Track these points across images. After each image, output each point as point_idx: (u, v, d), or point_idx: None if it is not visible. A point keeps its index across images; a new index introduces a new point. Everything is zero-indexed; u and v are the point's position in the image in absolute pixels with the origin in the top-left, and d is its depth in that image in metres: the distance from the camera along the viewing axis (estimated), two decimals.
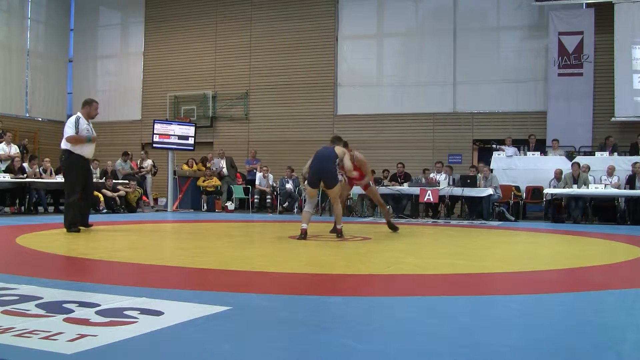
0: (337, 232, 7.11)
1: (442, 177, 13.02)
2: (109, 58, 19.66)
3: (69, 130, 7.45)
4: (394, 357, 2.20)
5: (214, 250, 5.89)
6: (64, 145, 7.44)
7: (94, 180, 12.93)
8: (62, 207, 12.67)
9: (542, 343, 2.45)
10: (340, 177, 7.52)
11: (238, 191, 14.49)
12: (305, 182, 7.70)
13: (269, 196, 14.23)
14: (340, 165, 7.25)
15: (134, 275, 4.33)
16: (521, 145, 13.90)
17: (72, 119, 7.62)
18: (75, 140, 7.41)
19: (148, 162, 15.52)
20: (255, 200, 14.19)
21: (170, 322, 2.61)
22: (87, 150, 7.56)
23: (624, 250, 6.61)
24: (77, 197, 7.37)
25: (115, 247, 6.12)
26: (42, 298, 3.02)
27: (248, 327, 2.62)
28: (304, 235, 6.74)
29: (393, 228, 8.24)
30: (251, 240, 7.54)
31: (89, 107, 7.91)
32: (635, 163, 11.57)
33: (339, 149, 7.26)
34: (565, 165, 12.23)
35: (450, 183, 12.66)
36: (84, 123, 7.63)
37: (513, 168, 13.15)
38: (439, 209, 12.79)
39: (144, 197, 14.32)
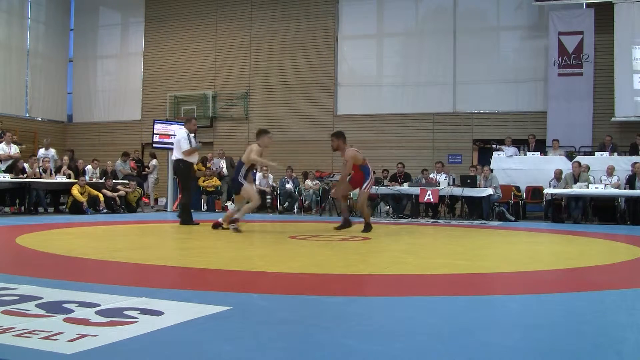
0: (228, 224, 7.81)
1: (442, 177, 13.02)
2: (109, 58, 19.65)
3: (185, 144, 8.86)
4: (394, 357, 2.20)
5: (214, 250, 5.89)
6: (179, 155, 8.92)
7: (94, 180, 12.99)
8: (61, 207, 12.72)
9: (542, 343, 2.45)
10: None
11: None
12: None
13: (269, 196, 14.23)
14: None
15: (134, 275, 4.33)
16: (521, 145, 13.90)
17: (184, 134, 8.97)
18: (190, 152, 8.94)
19: (153, 162, 15.53)
20: None
21: (170, 322, 2.61)
22: (194, 158, 9.26)
23: (624, 250, 6.61)
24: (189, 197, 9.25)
25: (115, 247, 6.12)
26: (42, 298, 3.02)
27: (248, 327, 2.62)
28: (215, 225, 7.93)
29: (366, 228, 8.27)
30: (251, 240, 7.54)
31: (189, 123, 9.36)
32: (635, 163, 11.57)
33: (247, 151, 7.83)
34: (566, 165, 12.23)
35: (450, 183, 12.67)
36: (191, 137, 9.05)
37: (513, 168, 13.15)
38: (439, 209, 12.79)
39: (144, 198, 14.32)
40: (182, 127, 9.50)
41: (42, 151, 13.85)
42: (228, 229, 7.76)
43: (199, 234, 8.09)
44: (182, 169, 9.03)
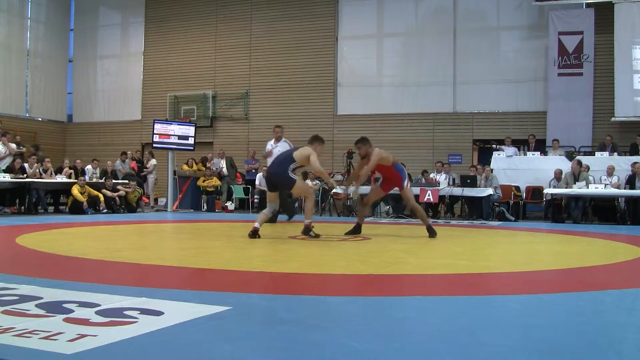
0: (305, 228, 6.94)
1: (442, 177, 13.02)
2: (109, 58, 19.66)
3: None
4: (394, 357, 2.20)
5: (214, 250, 5.89)
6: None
7: (94, 180, 12.99)
8: (61, 207, 12.72)
9: (542, 343, 2.45)
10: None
11: (238, 191, 14.49)
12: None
13: None
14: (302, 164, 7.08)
15: (134, 275, 4.33)
16: (521, 145, 13.90)
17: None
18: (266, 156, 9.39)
19: (152, 162, 15.53)
20: (256, 200, 14.18)
21: (170, 322, 2.61)
22: (268, 162, 9.36)
23: (624, 250, 6.60)
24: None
25: (115, 247, 6.12)
26: (42, 298, 3.02)
27: (248, 327, 2.62)
28: (252, 233, 6.73)
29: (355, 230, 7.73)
30: (251, 240, 7.54)
31: (273, 132, 9.97)
32: (635, 163, 11.57)
33: (303, 150, 7.01)
34: (566, 165, 12.23)
35: (450, 183, 12.67)
36: (268, 144, 9.76)
37: (513, 168, 13.15)
38: (439, 209, 12.79)
39: (144, 197, 14.32)
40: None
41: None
42: (254, 235, 6.80)
43: (199, 234, 8.09)
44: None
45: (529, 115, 15.12)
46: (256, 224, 6.84)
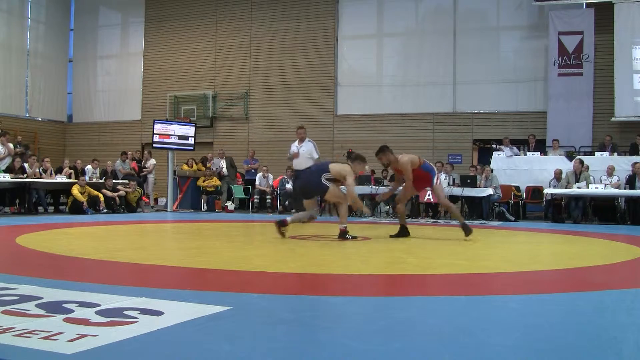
0: (340, 232, 6.93)
1: (442, 177, 13.00)
2: (109, 58, 19.66)
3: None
4: (394, 357, 2.20)
5: (214, 250, 5.88)
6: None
7: (94, 180, 13.00)
8: (61, 207, 12.73)
9: (542, 343, 2.45)
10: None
11: (238, 191, 14.50)
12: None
13: (268, 196, 14.24)
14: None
15: (134, 275, 4.33)
16: (521, 145, 13.90)
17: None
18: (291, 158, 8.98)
19: (151, 162, 15.54)
20: (255, 200, 14.19)
21: (170, 322, 2.61)
22: (294, 163, 9.03)
23: (624, 250, 6.60)
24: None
25: (115, 247, 6.12)
26: (42, 298, 3.02)
27: (248, 327, 2.62)
28: (280, 223, 6.86)
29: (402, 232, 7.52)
30: (251, 240, 7.54)
31: (296, 133, 9.27)
32: (635, 163, 11.57)
33: (341, 168, 6.95)
34: (566, 165, 12.24)
35: (450, 183, 12.66)
36: (293, 146, 9.00)
37: (513, 168, 13.15)
38: (439, 208, 12.78)
39: (144, 197, 14.31)
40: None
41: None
42: (282, 233, 6.89)
43: (199, 234, 8.09)
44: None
45: (529, 115, 15.12)
46: (288, 218, 6.94)
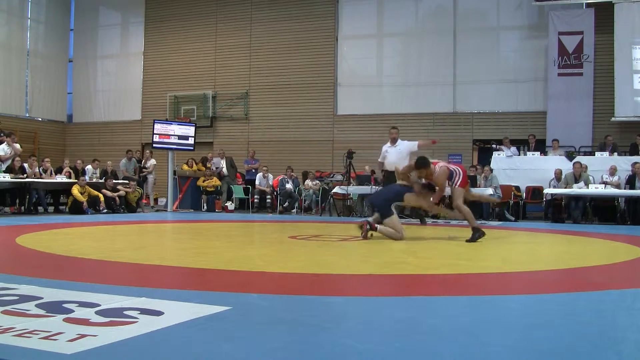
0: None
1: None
2: (109, 58, 19.66)
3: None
4: (394, 357, 2.20)
5: (214, 250, 5.88)
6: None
7: (94, 180, 12.99)
8: (61, 207, 12.72)
9: (542, 343, 2.44)
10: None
11: (238, 191, 14.50)
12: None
13: (268, 196, 14.24)
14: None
15: (134, 275, 4.33)
16: (521, 145, 13.90)
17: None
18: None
19: (151, 162, 15.54)
20: (255, 200, 14.19)
21: (170, 322, 2.61)
22: (385, 164, 9.40)
23: (624, 250, 6.60)
24: None
25: (115, 247, 6.12)
26: (42, 298, 3.02)
27: (248, 327, 2.62)
28: (367, 226, 6.76)
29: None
30: (251, 240, 7.54)
31: (389, 134, 9.66)
32: (635, 163, 11.57)
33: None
34: (566, 166, 12.23)
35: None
36: (385, 147, 9.40)
37: (513, 168, 13.15)
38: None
39: (144, 200, 14.31)
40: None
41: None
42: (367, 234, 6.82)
43: (199, 234, 8.09)
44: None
45: (529, 115, 15.12)
46: (370, 218, 6.92)
